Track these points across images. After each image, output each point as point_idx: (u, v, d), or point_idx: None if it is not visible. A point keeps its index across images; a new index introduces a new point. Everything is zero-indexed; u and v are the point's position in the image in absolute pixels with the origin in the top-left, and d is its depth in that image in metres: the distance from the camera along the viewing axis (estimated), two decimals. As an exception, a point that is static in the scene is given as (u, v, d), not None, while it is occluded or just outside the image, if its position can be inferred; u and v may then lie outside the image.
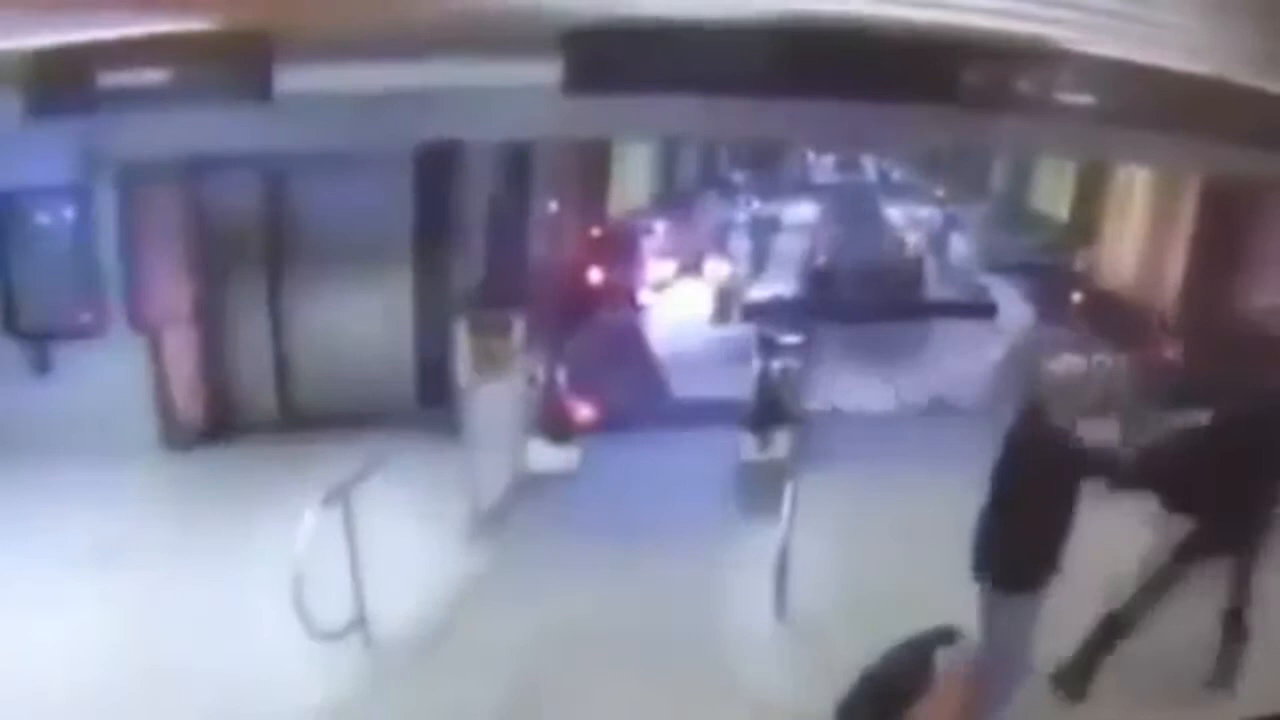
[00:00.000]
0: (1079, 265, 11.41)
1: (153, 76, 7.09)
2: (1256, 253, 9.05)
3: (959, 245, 17.29)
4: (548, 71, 7.30)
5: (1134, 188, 9.80)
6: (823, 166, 20.92)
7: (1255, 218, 9.01)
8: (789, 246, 17.95)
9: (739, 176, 18.94)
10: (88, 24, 7.00)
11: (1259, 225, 9.04)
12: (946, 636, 2.87)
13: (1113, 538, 5.21)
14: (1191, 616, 5.30)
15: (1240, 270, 9.06)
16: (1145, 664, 5.33)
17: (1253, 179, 8.29)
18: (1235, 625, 5.26)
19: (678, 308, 13.73)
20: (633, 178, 12.05)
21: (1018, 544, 4.72)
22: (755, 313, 12.36)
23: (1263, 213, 8.99)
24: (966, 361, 11.37)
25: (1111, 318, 9.74)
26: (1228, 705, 5.13)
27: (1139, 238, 9.76)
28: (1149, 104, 7.26)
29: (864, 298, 13.78)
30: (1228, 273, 9.10)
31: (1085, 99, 7.26)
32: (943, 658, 2.81)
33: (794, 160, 20.10)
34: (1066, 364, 4.89)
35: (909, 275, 15.29)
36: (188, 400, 8.70)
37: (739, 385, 9.07)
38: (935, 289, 15.39)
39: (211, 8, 7.09)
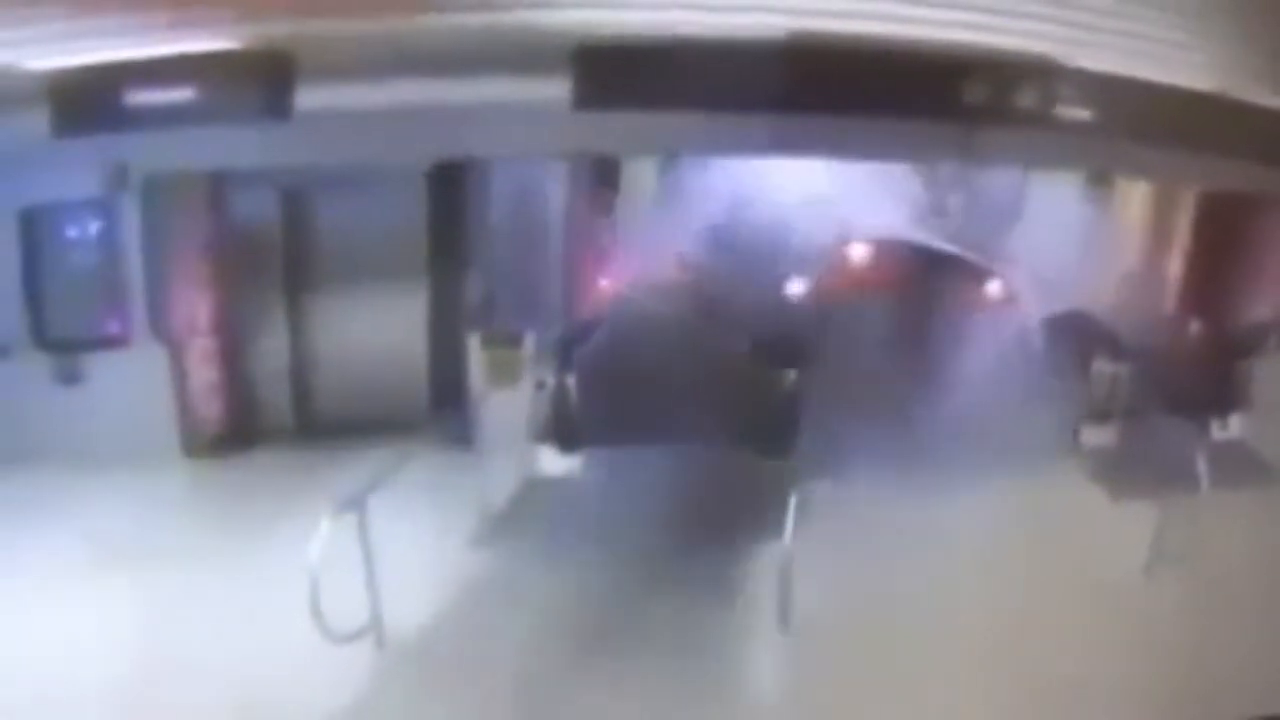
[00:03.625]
0: (1085, 274, 11.46)
1: (177, 95, 7.29)
2: (1255, 265, 9.13)
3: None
4: (559, 87, 7.46)
5: (1134, 200, 9.89)
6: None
7: (1256, 231, 9.10)
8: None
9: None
10: (114, 44, 7.20)
11: (1259, 239, 9.12)
12: None
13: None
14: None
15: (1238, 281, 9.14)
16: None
17: (1253, 193, 8.38)
18: None
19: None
20: (642, 189, 12.14)
21: None
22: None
23: (1263, 226, 9.07)
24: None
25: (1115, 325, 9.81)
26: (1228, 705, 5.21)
27: (1141, 248, 9.84)
28: (1147, 119, 7.37)
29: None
30: (1226, 284, 9.18)
31: (1084, 114, 7.37)
32: None
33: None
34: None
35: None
36: (208, 409, 8.89)
37: (745, 394, 9.15)
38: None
39: (234, 27, 7.28)
